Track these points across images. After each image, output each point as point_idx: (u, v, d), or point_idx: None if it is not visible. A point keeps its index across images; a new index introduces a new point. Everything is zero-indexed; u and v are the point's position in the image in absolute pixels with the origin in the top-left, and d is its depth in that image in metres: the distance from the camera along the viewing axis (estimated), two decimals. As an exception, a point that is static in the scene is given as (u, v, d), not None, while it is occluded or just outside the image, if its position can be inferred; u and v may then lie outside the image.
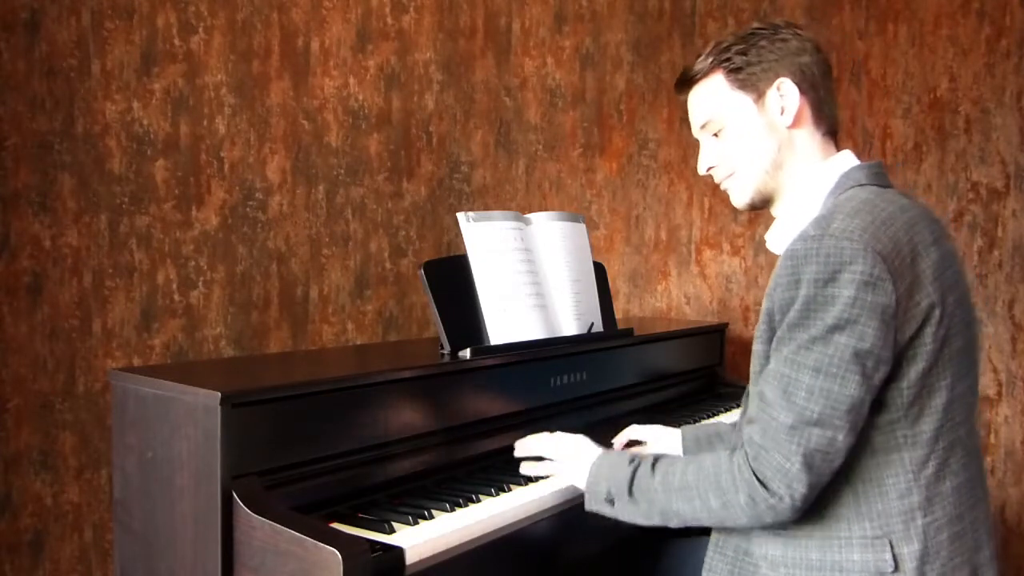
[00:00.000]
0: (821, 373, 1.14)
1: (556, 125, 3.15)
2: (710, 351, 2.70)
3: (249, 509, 1.27)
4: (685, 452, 1.74)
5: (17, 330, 2.19)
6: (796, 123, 1.33)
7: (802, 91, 1.32)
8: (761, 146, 1.34)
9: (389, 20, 2.85)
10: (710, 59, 1.37)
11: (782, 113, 1.32)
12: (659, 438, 1.80)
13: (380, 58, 2.83)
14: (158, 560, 1.42)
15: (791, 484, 1.15)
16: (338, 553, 1.16)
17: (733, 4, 3.02)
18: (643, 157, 3.13)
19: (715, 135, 1.39)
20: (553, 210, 2.42)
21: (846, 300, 1.12)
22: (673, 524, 1.30)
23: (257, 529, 1.26)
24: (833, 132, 1.37)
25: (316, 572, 1.18)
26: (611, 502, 1.34)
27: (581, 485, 1.40)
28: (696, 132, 1.43)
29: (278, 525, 1.23)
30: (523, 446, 1.58)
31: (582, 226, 2.12)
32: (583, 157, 3.16)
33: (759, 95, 1.34)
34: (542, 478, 1.62)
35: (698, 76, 1.39)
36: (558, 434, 1.55)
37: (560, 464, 1.49)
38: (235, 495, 1.28)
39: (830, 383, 1.14)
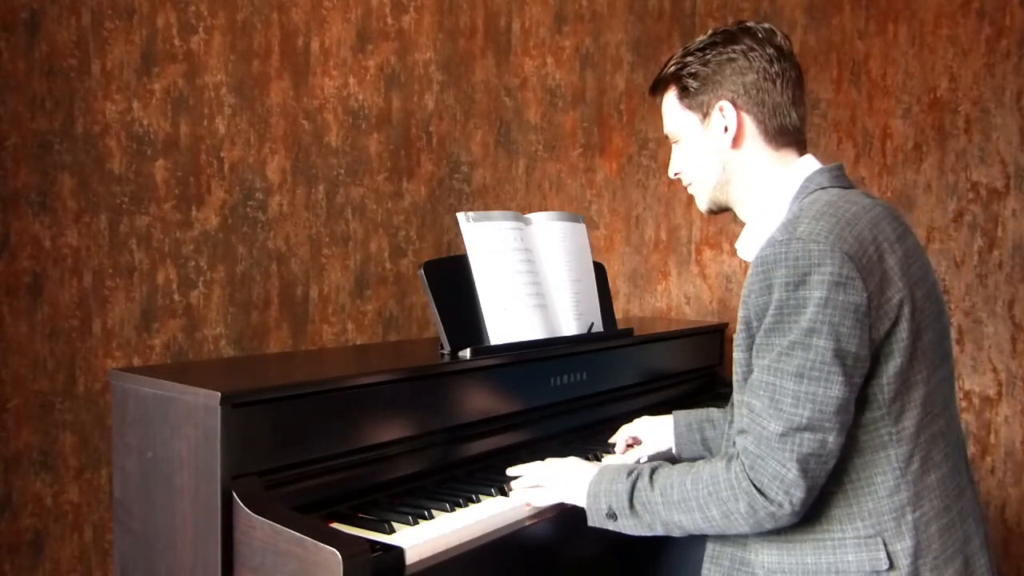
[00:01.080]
0: (804, 378, 1.15)
1: (556, 125, 3.15)
2: (710, 351, 2.70)
3: (249, 509, 1.27)
4: (677, 439, 1.77)
5: (17, 330, 2.19)
6: (739, 143, 1.36)
7: (745, 111, 1.34)
8: (707, 162, 1.39)
9: (389, 20, 2.85)
10: (671, 69, 1.41)
11: (725, 132, 1.35)
12: (651, 430, 1.81)
13: (380, 58, 2.83)
14: (158, 560, 1.42)
15: (789, 490, 1.17)
16: (338, 553, 1.15)
17: (733, 4, 3.02)
18: (643, 157, 3.13)
19: (676, 144, 1.45)
20: (553, 210, 2.42)
21: (818, 301, 1.14)
22: (675, 534, 1.31)
23: (257, 529, 1.26)
24: (795, 141, 1.36)
25: (316, 572, 1.18)
26: (613, 517, 1.34)
27: (582, 503, 1.39)
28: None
29: (278, 525, 1.23)
30: (516, 471, 1.56)
31: (582, 226, 2.12)
32: (583, 157, 3.16)
33: (704, 115, 1.37)
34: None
35: (659, 87, 1.45)
36: (550, 460, 1.53)
37: (558, 487, 1.46)
38: (235, 495, 1.28)
39: (814, 387, 1.15)
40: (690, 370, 2.58)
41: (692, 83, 1.37)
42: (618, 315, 2.84)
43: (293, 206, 2.66)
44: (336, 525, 1.35)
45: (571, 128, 3.15)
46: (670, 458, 1.81)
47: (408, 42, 2.89)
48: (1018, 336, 2.69)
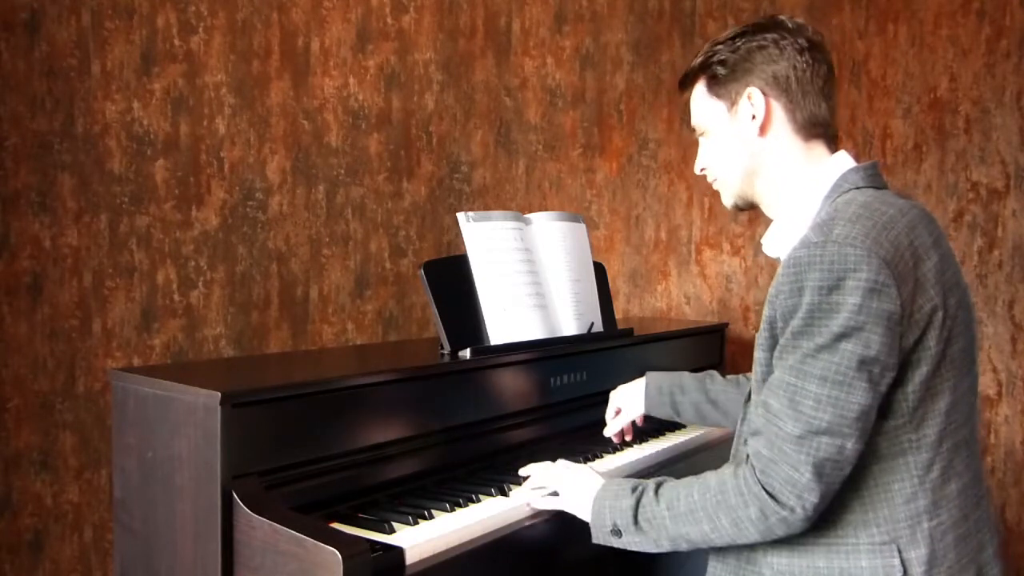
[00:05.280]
0: (828, 381, 1.13)
1: (556, 125, 3.15)
2: (710, 351, 2.70)
3: (249, 509, 1.27)
4: (647, 400, 1.81)
5: (17, 330, 2.19)
6: (766, 131, 1.33)
7: (774, 98, 1.32)
8: (733, 152, 1.36)
9: (389, 20, 2.84)
10: (699, 61, 1.39)
11: (753, 119, 1.33)
12: (628, 397, 1.85)
13: (380, 58, 2.83)
14: (158, 560, 1.42)
15: (802, 495, 1.15)
16: (338, 553, 1.15)
17: (733, 4, 3.02)
18: (643, 157, 3.13)
19: (703, 137, 1.43)
20: (553, 210, 2.42)
21: (852, 307, 1.11)
22: (683, 548, 1.28)
23: (257, 529, 1.26)
24: (825, 135, 1.34)
25: (316, 572, 1.18)
26: (618, 534, 1.32)
27: (586, 518, 1.38)
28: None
29: (278, 525, 1.23)
30: (527, 471, 1.58)
31: (582, 226, 2.12)
32: (583, 157, 3.16)
33: (732, 103, 1.35)
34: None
35: (688, 80, 1.42)
36: (561, 463, 1.53)
37: (563, 497, 1.47)
38: (235, 495, 1.28)
39: (837, 391, 1.13)
40: (690, 370, 2.57)
41: (720, 70, 1.35)
42: (618, 315, 2.84)
43: (293, 206, 2.66)
44: (336, 525, 1.35)
45: (571, 128, 3.15)
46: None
47: (408, 42, 2.89)
48: (1018, 336, 2.69)
